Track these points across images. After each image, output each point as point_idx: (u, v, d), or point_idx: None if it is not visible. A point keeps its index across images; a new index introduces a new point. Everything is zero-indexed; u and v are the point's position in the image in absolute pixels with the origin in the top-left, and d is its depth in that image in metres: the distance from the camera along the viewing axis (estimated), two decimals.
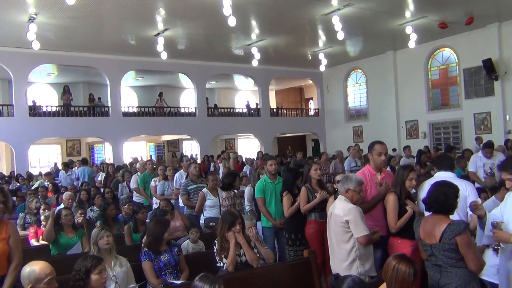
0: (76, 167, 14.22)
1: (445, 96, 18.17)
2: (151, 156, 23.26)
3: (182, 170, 8.98)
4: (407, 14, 13.86)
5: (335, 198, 5.13)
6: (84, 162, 14.10)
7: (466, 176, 7.12)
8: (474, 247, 3.24)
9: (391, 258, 3.05)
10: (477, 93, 16.82)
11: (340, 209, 4.17)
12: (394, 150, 16.68)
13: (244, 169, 12.52)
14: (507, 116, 15.69)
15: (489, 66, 15.40)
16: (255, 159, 15.45)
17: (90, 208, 8.04)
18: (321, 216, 5.52)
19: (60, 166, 17.81)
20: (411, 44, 15.41)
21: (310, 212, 5.64)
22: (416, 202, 4.55)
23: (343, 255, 4.13)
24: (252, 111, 22.17)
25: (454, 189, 3.46)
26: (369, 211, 4.55)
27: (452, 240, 3.24)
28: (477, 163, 7.88)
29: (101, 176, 13.08)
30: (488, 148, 7.96)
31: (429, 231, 3.42)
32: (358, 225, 4.04)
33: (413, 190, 4.76)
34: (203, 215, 6.92)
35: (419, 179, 6.65)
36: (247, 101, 24.07)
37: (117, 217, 7.11)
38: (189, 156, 21.70)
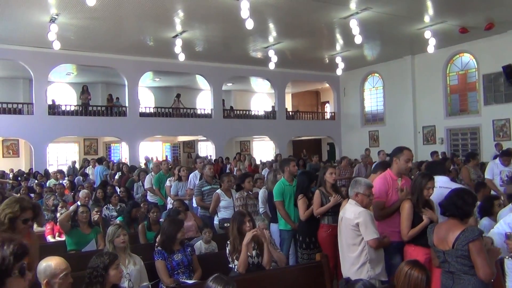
0: (91, 166, 14.57)
1: (463, 102, 17.94)
2: (166, 156, 23.43)
3: (196, 171, 9.02)
4: (426, 19, 13.73)
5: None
6: (99, 161, 14.42)
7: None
8: (484, 255, 3.18)
9: (403, 264, 3.05)
10: (496, 99, 16.57)
11: (351, 212, 4.17)
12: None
13: (263, 172, 12.49)
14: None
15: (509, 72, 15.16)
16: (274, 161, 15.43)
17: (106, 206, 8.15)
18: (334, 220, 5.44)
19: (77, 165, 18.14)
20: (430, 49, 15.25)
21: (323, 215, 5.61)
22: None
23: (354, 259, 4.12)
24: (268, 114, 22.18)
25: (473, 197, 3.47)
26: (389, 217, 4.51)
27: (465, 246, 3.21)
28: (494, 170, 7.73)
29: (117, 175, 13.23)
30: (507, 156, 7.81)
31: (442, 237, 3.40)
32: (368, 228, 4.03)
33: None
34: (218, 216, 6.96)
35: (482, 187, 6.62)
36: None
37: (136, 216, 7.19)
38: (205, 157, 21.92)
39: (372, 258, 4.06)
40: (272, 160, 16.35)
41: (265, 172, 13.09)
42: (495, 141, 15.20)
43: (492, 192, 6.81)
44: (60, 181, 11.65)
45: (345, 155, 15.85)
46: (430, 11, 13.10)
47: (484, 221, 5.06)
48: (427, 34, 14.52)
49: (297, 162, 14.07)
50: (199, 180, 8.59)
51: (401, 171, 4.71)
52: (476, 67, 17.22)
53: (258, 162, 16.92)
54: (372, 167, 8.61)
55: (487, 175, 7.78)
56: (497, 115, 16.38)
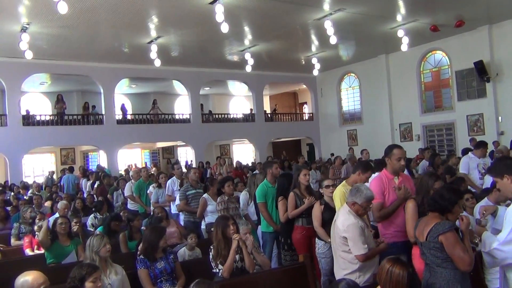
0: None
1: (438, 99, 18.28)
2: (145, 163, 23.22)
3: (174, 177, 8.94)
4: (399, 18, 13.96)
5: (321, 204, 5.17)
6: (70, 170, 14.66)
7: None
8: (460, 246, 3.19)
9: (385, 261, 3.08)
10: (469, 95, 16.93)
11: (341, 222, 4.07)
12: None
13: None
14: (500, 118, 15.79)
15: (480, 68, 15.51)
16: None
17: (94, 215, 8.03)
18: (308, 222, 5.48)
19: (55, 176, 17.87)
20: (403, 47, 15.52)
21: (297, 217, 5.63)
22: None
23: (344, 264, 4.09)
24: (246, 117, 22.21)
25: (455, 194, 3.45)
26: (390, 217, 4.45)
27: (436, 239, 3.23)
28: (470, 165, 7.75)
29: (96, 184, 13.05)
30: (481, 147, 7.83)
31: (421, 230, 3.43)
32: (356, 243, 3.93)
33: None
34: (205, 221, 6.94)
35: (462, 181, 6.62)
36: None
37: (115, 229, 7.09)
38: (186, 163, 21.83)
39: (363, 266, 4.00)
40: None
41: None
42: (469, 136, 15.52)
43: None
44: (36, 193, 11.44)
45: (326, 155, 15.99)
46: (402, 10, 13.32)
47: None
48: (400, 33, 14.76)
49: (283, 163, 14.19)
50: (180, 185, 8.55)
51: (395, 170, 4.64)
52: (449, 64, 17.57)
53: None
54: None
55: (462, 170, 7.74)
56: (471, 111, 16.74)
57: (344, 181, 5.28)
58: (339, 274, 4.11)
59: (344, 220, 4.02)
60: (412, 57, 18.20)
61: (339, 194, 4.99)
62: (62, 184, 13.77)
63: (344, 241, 4.02)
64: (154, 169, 18.00)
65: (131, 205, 9.87)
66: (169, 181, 8.78)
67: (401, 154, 4.61)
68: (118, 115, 18.85)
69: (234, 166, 16.48)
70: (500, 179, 3.31)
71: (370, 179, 5.19)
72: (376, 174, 5.32)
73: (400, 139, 19.11)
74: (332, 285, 2.96)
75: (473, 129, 16.66)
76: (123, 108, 20.52)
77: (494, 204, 4.67)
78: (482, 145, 7.94)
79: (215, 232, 4.61)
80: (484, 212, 3.71)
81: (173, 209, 8.43)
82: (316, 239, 5.16)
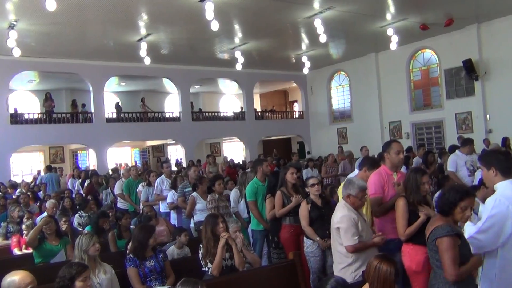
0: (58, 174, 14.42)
1: (427, 97, 18.40)
2: (135, 161, 23.11)
3: (163, 175, 8.90)
4: (388, 17, 14.02)
5: (307, 203, 5.16)
6: (49, 168, 14.67)
7: None
8: (452, 254, 3.08)
9: (372, 259, 3.09)
10: (458, 93, 17.06)
11: (336, 215, 4.17)
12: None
13: None
14: (488, 116, 15.94)
15: (469, 67, 15.63)
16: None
17: (79, 214, 7.98)
18: (296, 220, 5.47)
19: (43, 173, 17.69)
20: (393, 46, 15.59)
21: (285, 216, 5.64)
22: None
23: (339, 258, 4.15)
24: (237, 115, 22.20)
25: (456, 194, 3.27)
26: (388, 213, 4.46)
27: (433, 242, 3.18)
28: (458, 162, 7.82)
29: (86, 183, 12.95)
30: (467, 144, 7.91)
31: (428, 230, 3.36)
32: (347, 233, 4.01)
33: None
34: (193, 219, 6.93)
35: (446, 180, 6.65)
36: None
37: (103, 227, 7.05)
38: (176, 161, 21.76)
39: (357, 259, 4.04)
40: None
41: None
42: (458, 134, 15.65)
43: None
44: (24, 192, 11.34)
45: (316, 153, 16.04)
46: (392, 8, 13.38)
47: None
48: (390, 31, 14.83)
49: (278, 161, 14.17)
50: (172, 183, 8.52)
51: (394, 164, 4.65)
52: (438, 62, 17.69)
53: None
54: (356, 163, 8.56)
55: (450, 168, 7.82)
56: (459, 109, 16.88)
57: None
58: (336, 268, 4.20)
59: (338, 213, 4.15)
60: (402, 55, 18.29)
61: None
62: (44, 183, 13.69)
63: (338, 233, 4.10)
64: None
65: (121, 204, 9.84)
66: (157, 180, 8.73)
67: (399, 147, 4.66)
68: (109, 113, 18.72)
69: (230, 164, 16.43)
70: (486, 169, 3.34)
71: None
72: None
73: (390, 137, 19.18)
74: (321, 283, 2.96)
75: (462, 127, 16.81)
76: (117, 107, 20.43)
77: (482, 200, 4.71)
78: (469, 142, 8.05)
79: (204, 230, 4.61)
80: None
81: (162, 208, 8.40)
82: (305, 238, 5.16)
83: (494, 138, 14.73)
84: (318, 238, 4.95)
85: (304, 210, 5.14)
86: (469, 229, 3.28)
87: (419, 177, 4.20)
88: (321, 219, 5.01)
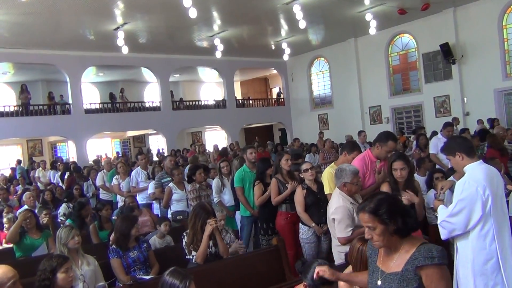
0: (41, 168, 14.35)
1: (405, 81, 18.59)
2: (117, 152, 22.87)
3: (139, 167, 8.75)
4: (366, 1, 13.99)
5: (303, 188, 5.15)
6: (19, 162, 15.10)
7: None
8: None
9: (355, 241, 3.13)
10: (436, 77, 17.28)
11: (331, 206, 4.18)
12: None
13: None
14: (465, 99, 16.20)
15: (446, 50, 15.82)
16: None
17: (67, 205, 7.86)
18: (292, 208, 5.38)
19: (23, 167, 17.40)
20: (371, 31, 15.68)
21: (281, 203, 5.57)
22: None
23: (338, 242, 4.20)
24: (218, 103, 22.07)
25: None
26: None
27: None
28: (438, 145, 7.99)
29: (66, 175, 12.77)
30: (449, 126, 8.16)
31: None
32: (340, 225, 4.03)
33: None
34: (170, 209, 6.90)
35: (422, 162, 6.75)
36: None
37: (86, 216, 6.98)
38: (158, 151, 21.60)
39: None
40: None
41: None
42: (436, 117, 15.87)
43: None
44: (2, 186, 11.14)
45: (297, 139, 16.06)
46: None
47: (430, 194, 5.51)
48: (368, 16, 14.88)
49: (276, 147, 14.17)
50: (152, 174, 8.46)
51: (379, 157, 4.67)
52: (416, 46, 17.86)
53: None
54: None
55: (431, 150, 8.04)
56: (437, 92, 17.12)
57: (333, 163, 5.26)
58: (334, 250, 4.30)
59: (334, 203, 4.15)
60: (380, 40, 18.40)
61: (327, 176, 4.92)
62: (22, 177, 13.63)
63: (333, 224, 4.15)
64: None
65: (103, 195, 9.74)
66: (133, 172, 8.56)
67: (393, 147, 4.64)
68: (87, 104, 18.41)
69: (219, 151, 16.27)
70: (452, 157, 3.44)
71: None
72: None
73: (370, 122, 19.41)
74: (304, 267, 2.99)
75: (440, 110, 17.06)
76: (111, 97, 20.45)
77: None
78: (448, 125, 8.34)
79: (193, 222, 4.46)
80: (442, 187, 3.84)
81: (139, 200, 8.27)
82: (300, 224, 5.12)
83: (471, 121, 15.01)
84: (313, 224, 4.94)
85: (299, 196, 5.07)
86: (442, 212, 3.38)
87: (390, 163, 4.30)
88: (317, 205, 4.98)
